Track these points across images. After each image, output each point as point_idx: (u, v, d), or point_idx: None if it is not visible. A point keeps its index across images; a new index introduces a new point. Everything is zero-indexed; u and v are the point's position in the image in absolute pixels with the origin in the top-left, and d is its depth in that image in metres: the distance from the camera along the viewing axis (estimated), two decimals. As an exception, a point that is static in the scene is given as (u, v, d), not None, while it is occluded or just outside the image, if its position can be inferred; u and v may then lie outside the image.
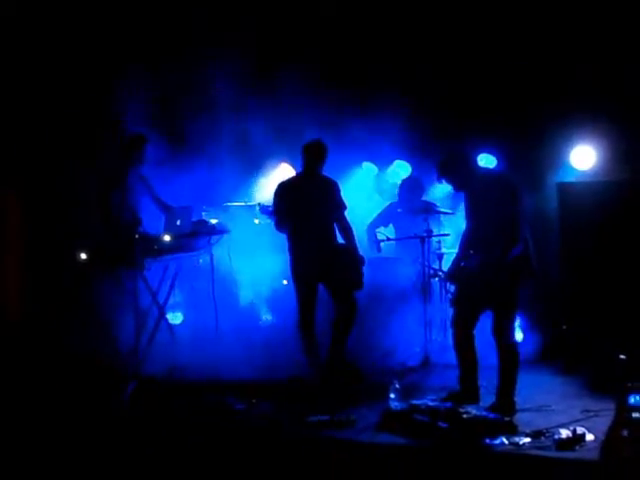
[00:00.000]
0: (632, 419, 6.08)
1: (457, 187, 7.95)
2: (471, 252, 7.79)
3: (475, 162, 8.09)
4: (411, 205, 10.22)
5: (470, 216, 7.90)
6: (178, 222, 9.85)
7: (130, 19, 10.82)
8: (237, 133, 11.05)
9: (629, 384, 6.11)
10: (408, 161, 10.94)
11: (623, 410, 6.12)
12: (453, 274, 7.99)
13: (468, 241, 7.91)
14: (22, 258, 10.54)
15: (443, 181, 8.00)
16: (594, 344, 8.74)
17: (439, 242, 10.10)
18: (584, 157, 9.85)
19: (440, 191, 10.28)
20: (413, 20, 10.52)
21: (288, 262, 9.24)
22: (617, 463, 6.06)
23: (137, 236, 9.36)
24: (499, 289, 7.54)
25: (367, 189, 11.34)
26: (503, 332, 7.62)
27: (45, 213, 10.42)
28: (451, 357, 8.15)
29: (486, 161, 10.63)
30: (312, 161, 9.08)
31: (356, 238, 9.19)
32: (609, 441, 6.20)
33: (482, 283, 7.56)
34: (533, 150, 9.83)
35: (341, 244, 9.11)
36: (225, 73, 10.69)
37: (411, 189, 10.33)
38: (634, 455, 6.00)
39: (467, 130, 9.42)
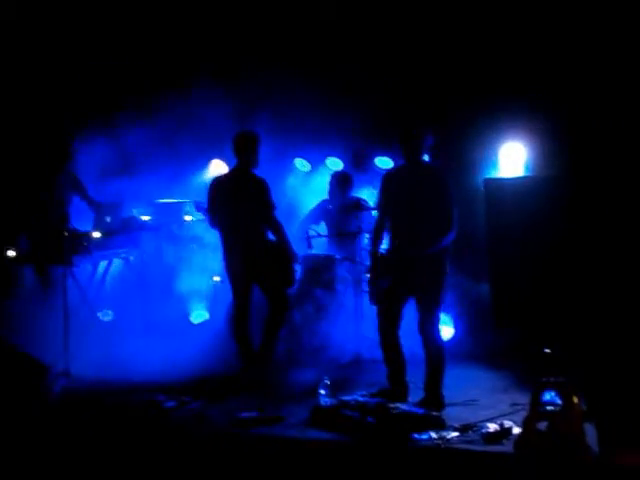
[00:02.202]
0: (546, 412, 6.17)
1: (415, 154, 7.84)
2: (396, 242, 7.81)
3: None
4: (341, 201, 10.23)
5: (397, 204, 7.90)
6: (108, 219, 9.78)
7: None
8: (168, 128, 10.95)
9: (544, 379, 6.22)
10: (340, 157, 10.94)
11: (537, 404, 6.22)
12: (375, 268, 8.00)
13: (391, 231, 7.94)
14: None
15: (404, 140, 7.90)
16: (522, 339, 8.84)
17: (370, 239, 10.09)
18: (513, 154, 9.91)
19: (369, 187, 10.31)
20: (347, 21, 10.55)
21: (221, 259, 9.21)
22: (530, 456, 6.15)
23: (66, 233, 9.28)
24: (427, 282, 7.60)
25: (300, 185, 11.33)
26: (429, 328, 7.68)
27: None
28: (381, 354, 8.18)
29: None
30: (243, 152, 8.98)
31: (288, 235, 9.15)
32: (524, 436, 6.30)
33: (408, 277, 7.60)
34: (461, 147, 9.87)
35: (272, 242, 9.08)
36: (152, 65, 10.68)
37: (339, 185, 10.32)
38: (547, 448, 6.10)
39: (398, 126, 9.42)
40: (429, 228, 7.64)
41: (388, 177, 8.12)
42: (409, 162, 7.89)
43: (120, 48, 10.92)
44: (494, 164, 9.88)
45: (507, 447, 6.49)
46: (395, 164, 8.14)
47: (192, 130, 10.97)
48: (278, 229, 8.99)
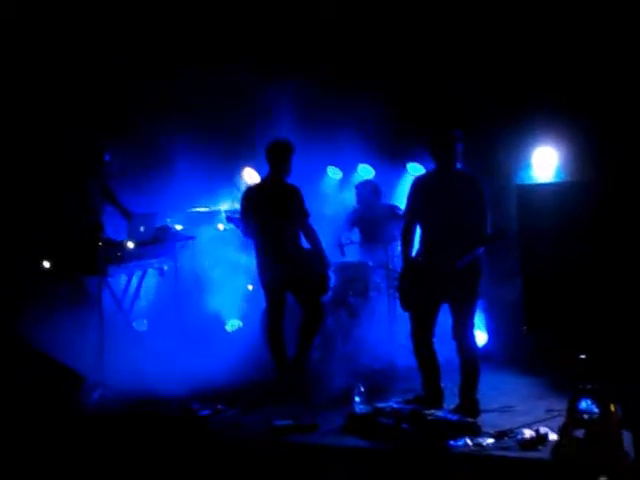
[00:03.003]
0: (583, 420, 6.14)
1: (449, 160, 7.75)
2: (428, 251, 7.78)
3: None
4: (374, 209, 10.23)
5: (429, 212, 7.83)
6: (142, 228, 9.82)
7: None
8: (199, 137, 11.00)
9: (580, 386, 6.18)
10: (372, 165, 10.95)
11: (574, 411, 6.18)
12: (407, 275, 7.96)
13: (423, 238, 7.89)
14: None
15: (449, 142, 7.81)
16: (557, 345, 8.78)
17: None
18: (546, 159, 9.86)
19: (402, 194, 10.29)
20: (376, 28, 10.54)
21: (255, 268, 9.22)
22: (567, 463, 6.12)
23: (100, 243, 9.34)
24: (460, 288, 7.57)
25: (332, 193, 11.35)
26: (463, 334, 7.65)
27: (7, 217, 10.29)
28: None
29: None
30: (276, 161, 9.00)
31: (322, 243, 9.16)
32: (561, 444, 6.27)
33: (440, 283, 7.59)
34: (494, 151, 9.84)
35: (306, 249, 9.09)
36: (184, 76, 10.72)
37: (366, 193, 10.35)
38: (584, 455, 6.07)
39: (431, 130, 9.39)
40: (462, 238, 7.57)
41: (419, 183, 8.01)
42: (442, 168, 7.82)
43: (152, 56, 10.96)
44: (527, 169, 9.84)
45: (543, 454, 6.47)
46: (426, 170, 8.05)
47: (224, 138, 11.00)
48: (312, 236, 9.00)
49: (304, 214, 8.96)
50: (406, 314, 7.99)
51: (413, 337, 7.88)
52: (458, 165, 7.83)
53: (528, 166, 9.81)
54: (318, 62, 10.57)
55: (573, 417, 6.19)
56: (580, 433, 6.14)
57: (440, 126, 7.91)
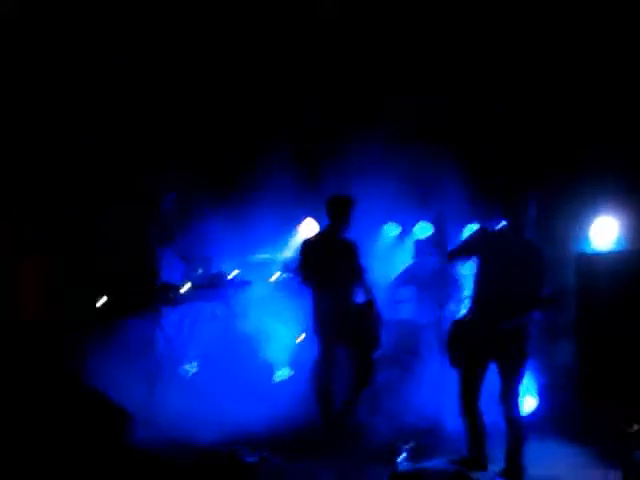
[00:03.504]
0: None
1: (520, 227, 7.74)
2: (482, 309, 7.76)
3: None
4: (431, 266, 10.24)
5: (491, 270, 7.79)
6: (197, 272, 9.91)
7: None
8: (256, 187, 11.12)
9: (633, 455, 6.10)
10: (430, 221, 10.97)
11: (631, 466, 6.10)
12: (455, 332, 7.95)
13: (477, 295, 7.86)
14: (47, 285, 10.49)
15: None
16: (607, 415, 8.69)
17: (457, 305, 10.07)
18: (606, 228, 9.83)
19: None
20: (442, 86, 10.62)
21: (308, 318, 9.26)
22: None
23: (156, 284, 9.45)
24: (509, 349, 7.54)
25: (389, 249, 11.38)
26: (509, 400, 7.59)
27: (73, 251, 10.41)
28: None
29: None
30: (336, 215, 9.09)
31: (377, 298, 9.20)
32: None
33: (490, 342, 7.57)
34: (553, 221, 9.82)
35: (362, 303, 9.12)
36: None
37: (423, 250, 10.37)
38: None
39: (486, 196, 9.42)
40: (518, 304, 7.53)
41: (486, 235, 7.97)
42: (511, 231, 7.77)
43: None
44: (586, 238, 9.82)
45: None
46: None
47: (283, 188, 11.10)
48: (369, 292, 9.05)
49: (361, 269, 9.05)
50: (456, 374, 7.96)
51: (460, 396, 7.84)
52: (522, 231, 7.80)
53: (587, 235, 9.79)
54: (382, 118, 10.64)
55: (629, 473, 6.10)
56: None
57: (515, 192, 7.90)
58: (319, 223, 10.47)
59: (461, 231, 10.63)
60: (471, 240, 8.04)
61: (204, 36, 10.66)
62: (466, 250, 8.00)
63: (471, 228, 10.32)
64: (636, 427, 6.26)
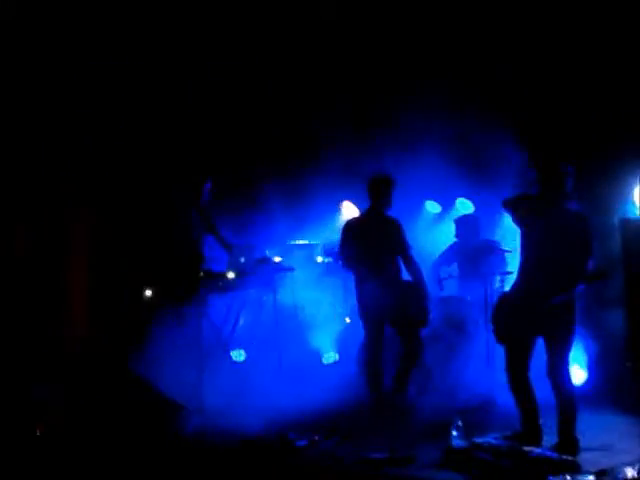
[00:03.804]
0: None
1: (562, 195, 7.63)
2: (527, 284, 7.69)
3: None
4: (471, 244, 10.20)
5: (535, 245, 7.65)
6: (242, 259, 9.93)
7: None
8: (299, 170, 11.12)
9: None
10: (471, 199, 10.91)
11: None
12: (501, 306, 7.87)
13: (523, 269, 7.75)
14: (88, 287, 10.55)
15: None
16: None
17: (502, 281, 10.02)
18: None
19: (504, 228, 10.24)
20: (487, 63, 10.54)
21: (354, 300, 9.27)
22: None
23: (201, 273, 9.48)
24: (555, 323, 7.47)
25: (430, 227, 11.34)
26: (557, 372, 7.53)
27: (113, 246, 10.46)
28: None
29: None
30: (378, 195, 9.08)
31: (423, 275, 9.17)
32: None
33: (536, 317, 7.50)
34: (595, 187, 9.71)
35: (407, 281, 9.10)
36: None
37: (466, 228, 10.33)
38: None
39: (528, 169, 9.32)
40: (563, 274, 7.46)
41: (532, 207, 7.77)
42: (549, 203, 7.66)
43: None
44: (629, 203, 9.70)
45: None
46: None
47: (324, 171, 11.08)
48: (415, 268, 9.04)
49: (406, 246, 9.01)
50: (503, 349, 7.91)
51: (508, 371, 7.81)
52: (566, 201, 7.68)
53: (631, 201, 9.68)
54: (421, 97, 10.59)
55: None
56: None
57: (551, 161, 7.79)
58: (359, 205, 10.45)
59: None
60: (524, 201, 7.83)
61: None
62: (520, 205, 7.80)
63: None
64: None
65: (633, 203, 9.72)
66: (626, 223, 9.51)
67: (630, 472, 6.60)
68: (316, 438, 7.96)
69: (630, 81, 9.66)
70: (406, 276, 9.13)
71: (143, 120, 10.69)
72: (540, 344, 7.69)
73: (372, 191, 9.11)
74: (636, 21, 9.56)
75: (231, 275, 9.68)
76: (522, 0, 10.09)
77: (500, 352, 8.24)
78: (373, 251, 8.97)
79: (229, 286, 9.75)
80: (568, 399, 7.54)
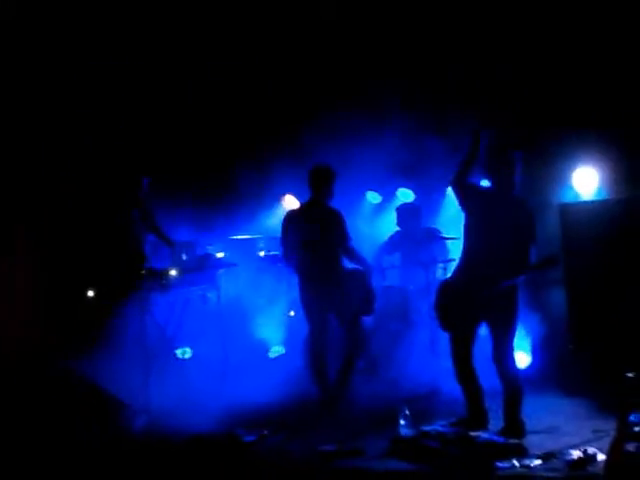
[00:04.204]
0: (634, 433, 6.06)
1: (510, 181, 7.60)
2: (470, 270, 7.73)
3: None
4: (413, 232, 10.25)
5: (481, 230, 7.65)
6: (184, 256, 9.88)
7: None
8: (238, 166, 11.10)
9: (630, 400, 6.10)
10: (411, 189, 10.96)
11: (624, 426, 6.10)
12: (445, 293, 7.88)
13: (466, 254, 7.77)
14: (31, 287, 10.44)
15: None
16: (602, 363, 8.72)
17: (444, 269, 10.07)
18: (586, 178, 9.84)
19: (445, 216, 10.31)
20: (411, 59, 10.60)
21: (297, 292, 9.22)
22: (621, 478, 6.04)
23: (143, 271, 9.41)
24: (499, 308, 7.53)
25: (371, 217, 11.37)
26: (503, 355, 7.57)
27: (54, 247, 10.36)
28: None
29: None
30: (318, 186, 9.03)
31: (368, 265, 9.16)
32: (612, 457, 6.18)
33: (480, 303, 7.56)
34: (534, 172, 9.80)
35: (349, 270, 9.05)
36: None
37: (407, 216, 10.38)
38: (637, 468, 5.98)
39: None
40: (509, 263, 7.46)
41: (480, 192, 7.79)
42: (499, 188, 7.67)
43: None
44: (568, 188, 9.83)
45: (591, 474, 6.39)
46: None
47: (263, 166, 11.07)
48: (357, 257, 9.03)
49: (347, 238, 8.98)
50: (447, 337, 7.95)
51: (453, 357, 7.81)
52: (514, 188, 7.67)
53: (569, 186, 9.80)
54: (359, 87, 10.62)
55: (624, 431, 6.11)
56: (632, 447, 6.06)
57: (502, 145, 7.81)
58: (300, 197, 10.45)
59: (443, 195, 10.66)
60: (474, 188, 7.80)
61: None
62: (469, 188, 7.73)
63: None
64: (630, 374, 6.23)
65: (572, 187, 9.85)
66: (565, 207, 9.63)
67: (576, 454, 6.65)
68: (264, 433, 7.94)
69: (568, 67, 9.77)
70: (349, 266, 9.11)
71: (82, 119, 10.61)
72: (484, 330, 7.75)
73: (313, 182, 9.07)
74: (568, 12, 9.68)
75: (173, 272, 9.62)
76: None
77: (443, 339, 8.29)
78: (314, 242, 8.91)
79: (172, 284, 9.68)
80: (514, 383, 7.58)
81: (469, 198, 7.71)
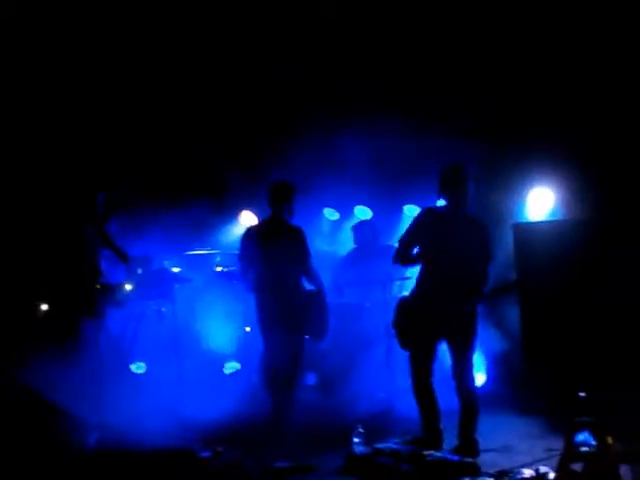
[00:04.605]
0: (581, 454, 6.10)
1: (462, 200, 7.70)
2: (429, 290, 7.78)
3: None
4: (370, 249, 10.28)
5: (438, 249, 7.69)
6: (139, 271, 9.85)
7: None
8: (195, 181, 11.08)
9: (577, 420, 6.16)
10: (368, 206, 11.00)
11: (571, 445, 6.15)
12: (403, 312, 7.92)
13: (424, 274, 7.83)
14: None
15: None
16: (555, 382, 8.79)
17: (401, 286, 10.11)
18: (542, 199, 9.93)
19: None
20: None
21: (253, 309, 9.14)
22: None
23: (98, 286, 9.36)
24: (459, 327, 7.58)
25: (329, 234, 11.39)
26: (462, 374, 7.64)
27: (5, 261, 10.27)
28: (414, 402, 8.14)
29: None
30: (278, 201, 8.92)
31: (323, 285, 9.09)
32: (560, 477, 6.23)
33: (439, 322, 7.60)
34: (490, 193, 9.87)
35: (308, 291, 9.00)
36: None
37: (363, 234, 10.42)
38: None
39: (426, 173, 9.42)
40: (467, 282, 7.57)
41: (432, 215, 7.84)
42: (454, 206, 7.73)
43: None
44: (522, 209, 9.91)
45: (544, 493, 6.46)
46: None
47: (219, 183, 11.06)
48: (315, 278, 8.95)
49: (308, 256, 8.91)
50: (405, 356, 7.97)
51: (412, 375, 7.84)
52: (467, 205, 7.76)
53: (524, 206, 9.89)
54: (317, 104, 10.65)
55: (571, 451, 6.16)
56: (578, 467, 6.11)
57: (454, 163, 7.83)
58: (258, 214, 10.46)
59: (401, 213, 10.71)
60: (417, 227, 7.85)
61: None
62: (414, 238, 7.83)
63: (410, 209, 10.39)
64: (582, 394, 6.30)
65: (525, 209, 9.94)
66: (518, 227, 9.71)
67: (528, 472, 6.71)
68: (219, 449, 7.89)
69: (526, 86, 9.86)
70: (306, 284, 9.09)
71: (37, 136, 10.56)
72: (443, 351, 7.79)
73: (272, 198, 8.97)
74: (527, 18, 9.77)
75: (128, 287, 9.58)
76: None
77: (400, 358, 8.32)
78: (274, 259, 8.80)
79: (127, 298, 9.64)
80: (472, 401, 7.65)
81: (420, 236, 7.80)
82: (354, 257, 10.61)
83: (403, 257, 7.86)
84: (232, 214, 11.43)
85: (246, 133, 11.28)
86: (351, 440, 7.47)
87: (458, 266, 7.57)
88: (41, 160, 10.49)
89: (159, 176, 11.24)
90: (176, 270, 10.54)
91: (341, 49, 10.65)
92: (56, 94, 10.63)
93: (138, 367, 10.42)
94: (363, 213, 11.10)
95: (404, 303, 7.91)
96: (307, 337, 8.95)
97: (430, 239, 7.76)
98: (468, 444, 7.54)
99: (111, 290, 9.56)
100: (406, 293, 8.02)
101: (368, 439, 7.54)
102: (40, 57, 10.39)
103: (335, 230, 11.51)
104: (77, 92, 10.75)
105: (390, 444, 7.51)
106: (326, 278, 9.70)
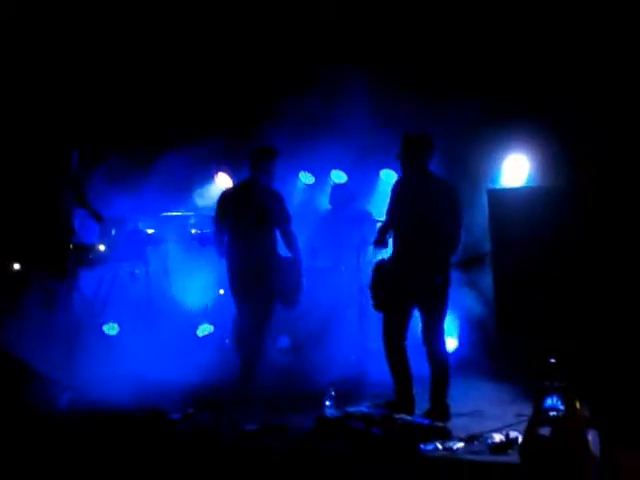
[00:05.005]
0: (549, 417, 6.12)
1: (418, 163, 7.81)
2: (401, 255, 7.78)
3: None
4: (346, 213, 10.26)
5: (407, 215, 7.77)
6: (113, 232, 9.80)
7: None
8: (174, 142, 11.00)
9: (546, 385, 6.17)
10: (344, 170, 10.95)
11: (540, 410, 6.17)
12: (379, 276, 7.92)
13: (397, 241, 7.87)
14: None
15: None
16: (527, 349, 8.81)
17: (375, 250, 10.08)
18: (517, 166, 9.92)
19: (377, 199, 10.32)
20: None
21: (225, 272, 9.08)
22: (536, 463, 6.11)
23: (71, 246, 9.30)
24: (430, 292, 7.59)
25: (304, 198, 11.34)
26: (433, 338, 7.67)
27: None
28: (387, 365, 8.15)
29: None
30: (258, 165, 8.82)
31: (299, 250, 8.97)
32: (527, 441, 6.25)
33: (411, 286, 7.60)
34: (465, 159, 9.87)
35: (283, 258, 8.88)
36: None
37: (340, 197, 10.39)
38: (550, 453, 6.06)
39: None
40: (437, 245, 7.61)
41: (401, 184, 7.98)
42: (411, 171, 7.83)
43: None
44: (498, 176, 9.90)
45: (513, 457, 6.46)
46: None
47: (197, 145, 10.98)
48: (293, 243, 8.82)
49: (287, 218, 8.79)
50: (378, 319, 7.98)
51: (385, 340, 7.87)
52: (426, 169, 7.83)
53: (499, 173, 9.87)
54: (293, 66, 10.60)
55: (539, 415, 6.17)
56: (546, 431, 6.13)
57: (408, 131, 7.91)
58: (234, 176, 10.40)
59: (377, 177, 10.67)
60: (391, 199, 7.96)
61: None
62: (393, 210, 7.95)
63: (387, 174, 10.35)
64: (551, 360, 6.31)
65: (501, 175, 9.92)
66: (493, 193, 9.68)
67: (498, 437, 6.74)
68: (190, 411, 7.91)
69: (502, 55, 9.82)
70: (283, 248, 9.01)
71: (12, 90, 10.47)
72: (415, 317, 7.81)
73: (254, 161, 8.85)
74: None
75: (102, 248, 9.53)
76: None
77: (373, 321, 8.33)
78: (246, 224, 8.70)
79: (100, 259, 9.60)
80: (442, 366, 7.70)
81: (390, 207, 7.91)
82: (329, 220, 10.58)
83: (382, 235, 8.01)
84: (208, 176, 11.34)
85: (225, 95, 11.17)
86: (323, 403, 7.48)
87: (426, 231, 7.61)
88: (13, 115, 10.40)
89: (135, 134, 11.12)
90: (150, 231, 10.49)
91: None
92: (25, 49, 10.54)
93: (111, 328, 10.39)
94: (339, 177, 11.05)
95: (380, 266, 7.92)
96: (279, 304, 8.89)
97: (397, 205, 7.86)
98: (439, 408, 7.59)
99: (84, 250, 9.51)
100: (384, 256, 8.01)
101: (340, 402, 7.55)
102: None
103: (310, 194, 11.45)
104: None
105: (362, 407, 7.53)
106: (300, 241, 9.70)
